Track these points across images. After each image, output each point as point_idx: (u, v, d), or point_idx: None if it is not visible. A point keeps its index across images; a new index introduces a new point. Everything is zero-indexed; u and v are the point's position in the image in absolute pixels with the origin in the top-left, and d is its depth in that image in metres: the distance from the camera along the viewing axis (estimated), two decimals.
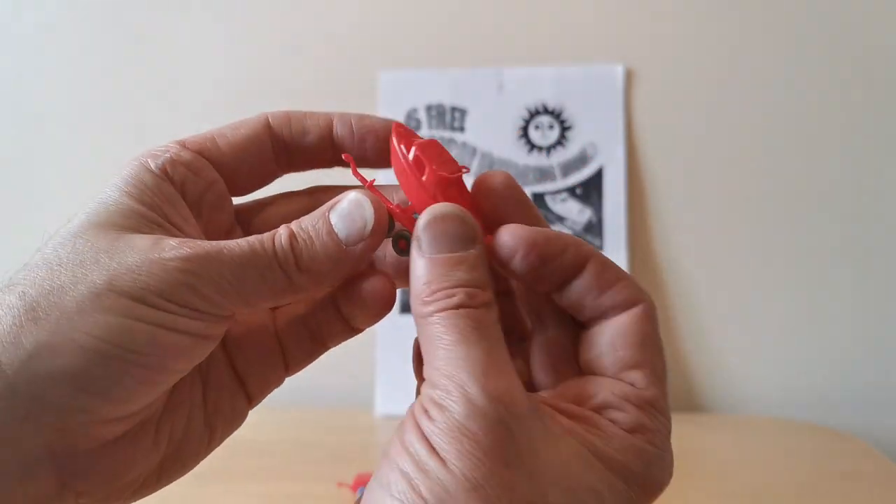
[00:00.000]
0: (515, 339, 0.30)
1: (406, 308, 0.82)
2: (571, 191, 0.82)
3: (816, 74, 0.81)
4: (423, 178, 0.27)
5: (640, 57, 0.82)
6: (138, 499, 0.27)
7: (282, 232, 0.26)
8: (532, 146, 0.83)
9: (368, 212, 0.26)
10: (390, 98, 0.84)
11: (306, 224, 0.27)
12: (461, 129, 0.84)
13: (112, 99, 0.88)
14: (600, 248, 0.81)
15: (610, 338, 0.26)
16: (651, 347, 0.26)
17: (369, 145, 0.30)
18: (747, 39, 0.81)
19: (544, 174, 0.83)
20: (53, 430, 0.23)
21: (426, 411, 0.23)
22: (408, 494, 0.22)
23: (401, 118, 0.84)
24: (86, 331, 0.23)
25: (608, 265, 0.27)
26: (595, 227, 0.82)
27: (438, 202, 0.26)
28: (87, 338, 0.23)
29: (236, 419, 0.30)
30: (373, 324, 0.30)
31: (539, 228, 0.27)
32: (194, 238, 0.26)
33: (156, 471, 0.27)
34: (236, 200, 0.31)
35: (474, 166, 0.83)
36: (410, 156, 0.27)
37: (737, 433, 0.76)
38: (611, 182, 0.82)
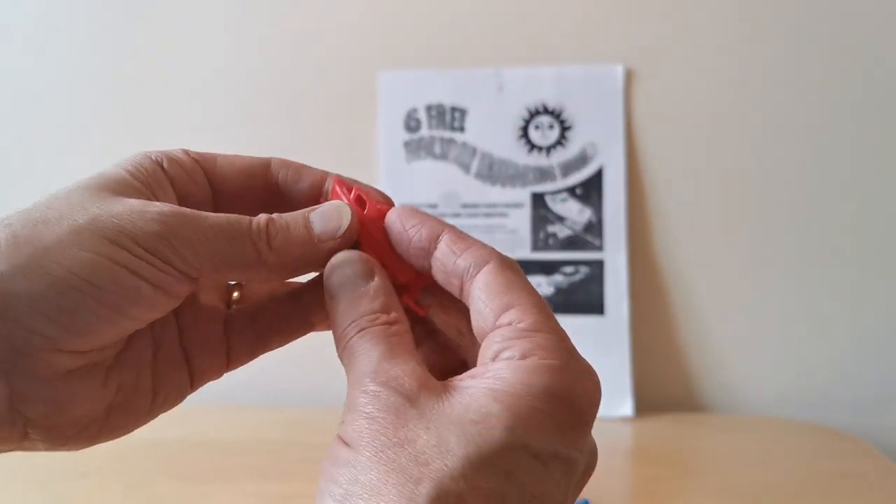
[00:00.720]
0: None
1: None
2: (571, 191, 0.82)
3: (817, 73, 0.81)
4: (364, 212, 0.31)
5: (640, 57, 0.82)
6: (82, 442, 0.28)
7: (261, 216, 0.29)
8: (532, 146, 0.83)
9: (346, 217, 0.30)
10: (390, 98, 0.84)
11: (286, 216, 0.29)
12: (461, 129, 0.84)
13: (112, 99, 0.88)
14: (600, 248, 0.81)
15: (477, 298, 0.28)
16: (517, 289, 0.28)
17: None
18: (748, 39, 0.81)
19: (544, 174, 0.83)
20: (10, 347, 0.24)
21: (343, 420, 0.25)
22: (330, 487, 0.24)
23: (401, 118, 0.84)
24: (57, 261, 0.25)
25: (462, 236, 0.30)
26: (595, 227, 0.82)
27: (379, 231, 0.30)
28: (57, 267, 0.24)
29: (177, 394, 0.31)
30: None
31: (414, 209, 0.30)
32: None
33: (102, 416, 0.28)
34: None
35: (474, 166, 0.83)
36: (352, 195, 0.31)
37: (737, 433, 0.76)
38: (611, 182, 0.82)
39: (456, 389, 0.25)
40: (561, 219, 0.82)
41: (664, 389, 0.83)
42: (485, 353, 0.27)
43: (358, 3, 0.85)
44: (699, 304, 0.83)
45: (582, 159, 0.82)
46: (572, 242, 0.82)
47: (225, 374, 0.32)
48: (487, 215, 0.83)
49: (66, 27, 0.88)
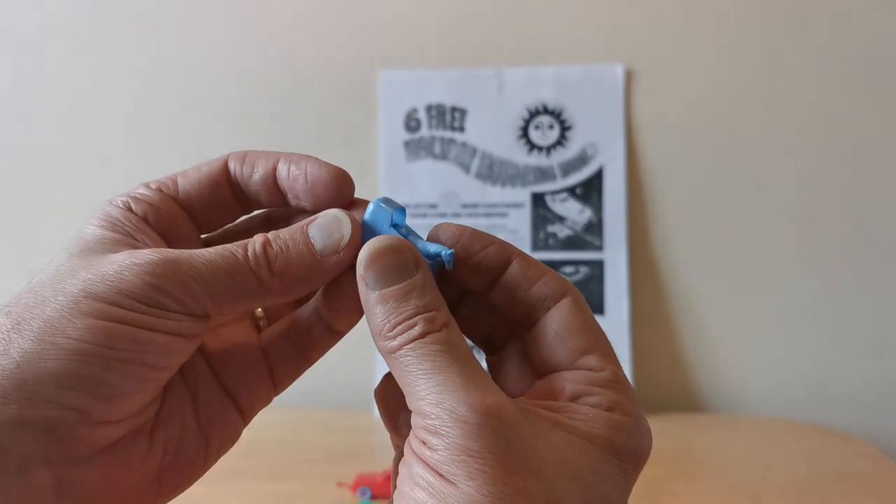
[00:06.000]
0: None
1: None
2: (571, 191, 0.82)
3: (817, 73, 0.81)
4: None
5: (640, 57, 0.82)
6: None
7: (256, 239, 0.27)
8: (532, 146, 0.83)
9: (346, 227, 0.28)
10: (390, 98, 0.84)
11: (284, 234, 0.28)
12: (461, 129, 0.84)
13: (113, 100, 0.88)
14: (600, 248, 0.81)
15: (554, 332, 0.27)
16: (593, 330, 0.28)
17: (317, 191, 0.30)
18: (747, 39, 0.81)
19: (544, 174, 0.83)
20: (47, 433, 0.24)
21: (424, 442, 0.24)
22: None
23: (401, 118, 0.84)
24: (66, 335, 0.24)
25: (532, 262, 0.28)
26: (595, 227, 0.82)
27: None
28: (68, 340, 0.24)
29: (230, 434, 0.31)
30: (353, 325, 0.31)
31: (468, 227, 0.29)
32: None
33: (154, 482, 0.28)
34: None
35: (474, 166, 0.83)
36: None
37: (737, 433, 0.76)
38: (611, 182, 0.82)
39: (542, 424, 0.25)
40: (561, 219, 0.82)
41: (664, 389, 0.83)
42: (560, 387, 0.27)
43: (358, 3, 0.85)
44: (699, 304, 0.83)
45: (582, 159, 0.82)
46: (572, 242, 0.82)
47: None
48: (487, 215, 0.83)
49: (67, 28, 0.88)
